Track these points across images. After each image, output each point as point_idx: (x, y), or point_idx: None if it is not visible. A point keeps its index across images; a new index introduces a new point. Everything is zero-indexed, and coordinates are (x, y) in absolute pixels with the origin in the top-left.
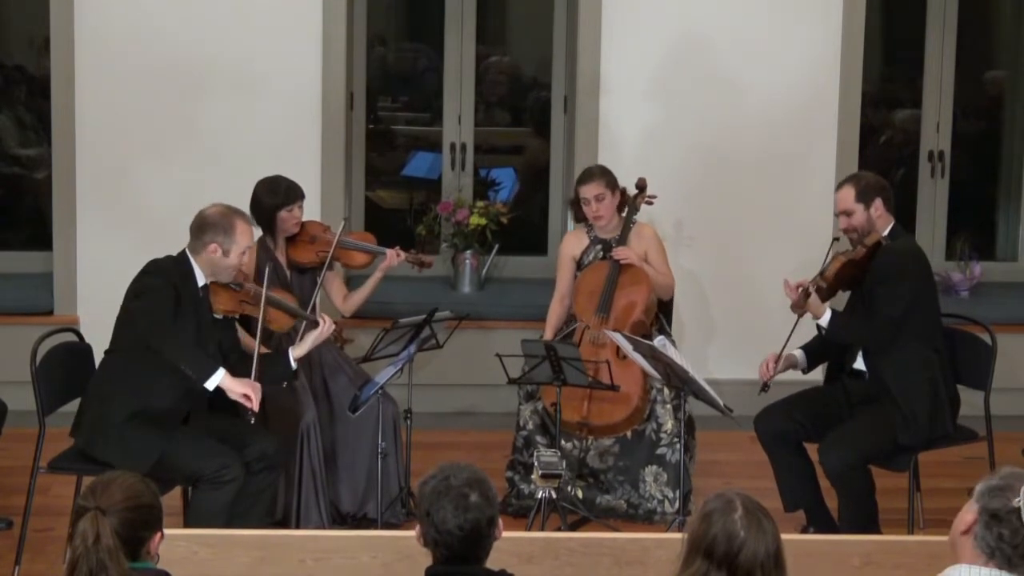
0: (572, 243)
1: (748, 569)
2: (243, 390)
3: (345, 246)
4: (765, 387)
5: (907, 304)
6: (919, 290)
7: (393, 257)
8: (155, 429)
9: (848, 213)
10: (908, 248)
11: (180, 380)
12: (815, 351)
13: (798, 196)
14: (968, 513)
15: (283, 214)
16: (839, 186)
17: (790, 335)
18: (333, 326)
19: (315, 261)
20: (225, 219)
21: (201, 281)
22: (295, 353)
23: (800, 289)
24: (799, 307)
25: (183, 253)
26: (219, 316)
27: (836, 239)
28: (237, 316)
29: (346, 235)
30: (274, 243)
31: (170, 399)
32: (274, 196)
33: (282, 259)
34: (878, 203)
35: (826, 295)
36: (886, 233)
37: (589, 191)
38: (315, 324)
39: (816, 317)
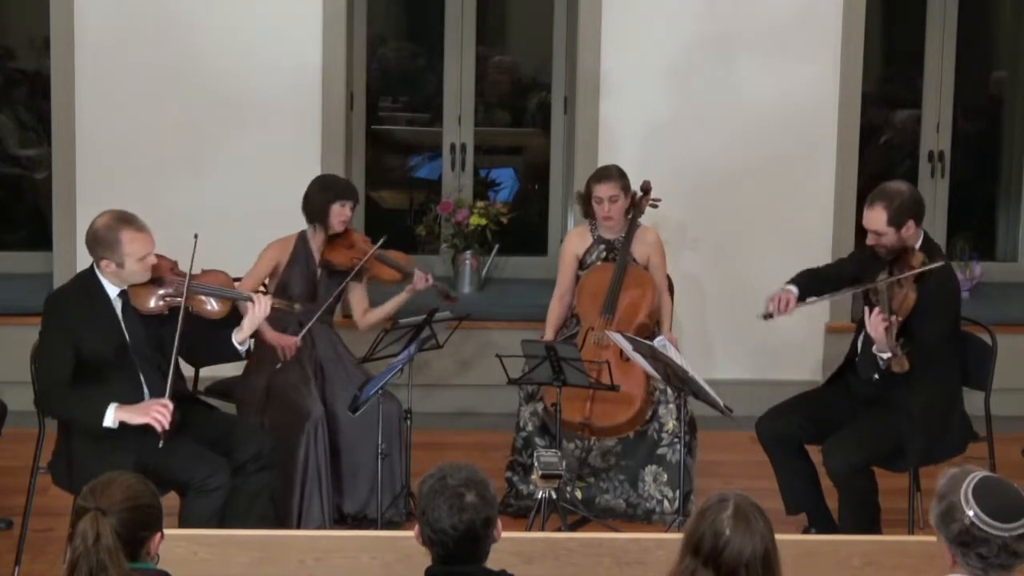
0: (575, 241)
1: (732, 568)
2: (141, 419)
3: (380, 259)
4: (769, 316)
5: (949, 334)
6: (956, 316)
7: (421, 280)
8: (125, 442)
9: (879, 234)
10: (948, 275)
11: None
12: (806, 286)
13: (798, 197)
14: (942, 546)
15: (336, 207)
16: (871, 202)
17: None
18: (269, 304)
19: (347, 265)
20: (110, 233)
21: (114, 292)
22: (237, 337)
23: (887, 327)
24: (895, 350)
25: (90, 268)
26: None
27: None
28: (165, 313)
29: (384, 251)
30: (321, 234)
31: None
32: (331, 189)
33: (316, 256)
34: (910, 224)
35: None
36: (918, 246)
37: (604, 191)
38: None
39: (881, 351)
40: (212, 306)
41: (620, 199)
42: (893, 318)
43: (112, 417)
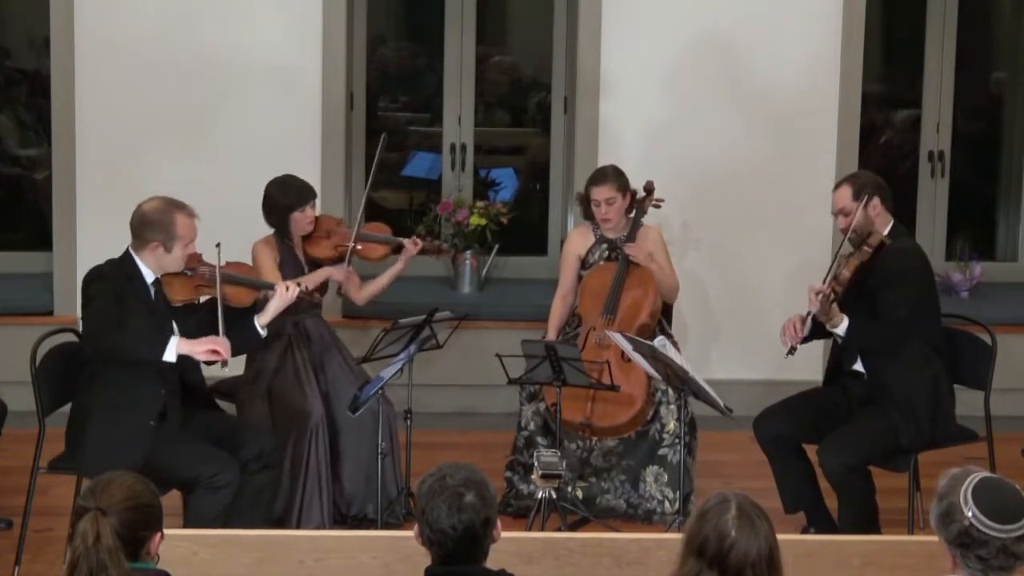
0: (577, 241)
1: (738, 569)
2: (204, 347)
3: (363, 239)
4: (793, 350)
5: (913, 305)
6: (921, 290)
7: (412, 245)
8: (137, 436)
9: (845, 212)
10: (910, 248)
11: (158, 384)
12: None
13: (798, 197)
14: (942, 547)
15: (296, 215)
16: (836, 186)
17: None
18: (296, 291)
19: (333, 256)
20: (164, 215)
21: (150, 278)
22: (260, 321)
23: (820, 295)
24: (825, 314)
25: (127, 253)
26: (180, 305)
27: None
28: (198, 301)
29: (362, 228)
30: (291, 240)
31: (151, 405)
32: (286, 197)
33: (300, 255)
34: (876, 202)
35: (840, 300)
36: (886, 232)
37: (600, 193)
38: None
39: (834, 326)
40: (240, 294)
41: (617, 200)
42: (833, 283)
43: (174, 349)
